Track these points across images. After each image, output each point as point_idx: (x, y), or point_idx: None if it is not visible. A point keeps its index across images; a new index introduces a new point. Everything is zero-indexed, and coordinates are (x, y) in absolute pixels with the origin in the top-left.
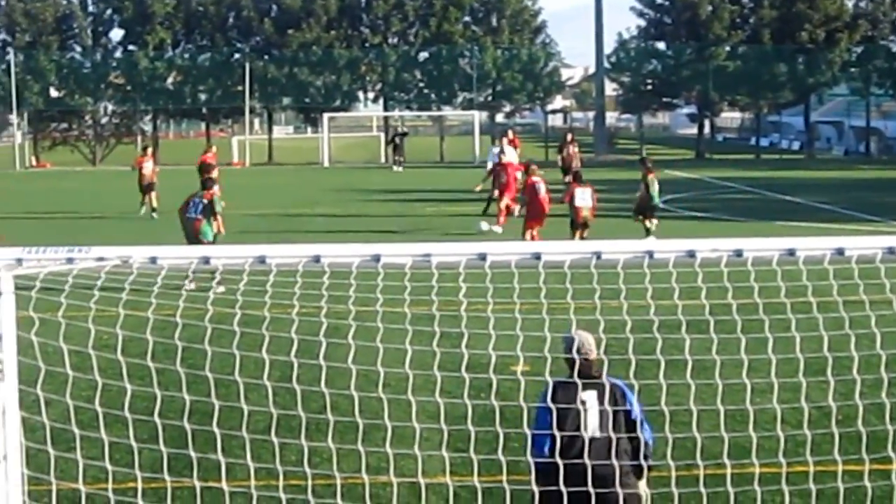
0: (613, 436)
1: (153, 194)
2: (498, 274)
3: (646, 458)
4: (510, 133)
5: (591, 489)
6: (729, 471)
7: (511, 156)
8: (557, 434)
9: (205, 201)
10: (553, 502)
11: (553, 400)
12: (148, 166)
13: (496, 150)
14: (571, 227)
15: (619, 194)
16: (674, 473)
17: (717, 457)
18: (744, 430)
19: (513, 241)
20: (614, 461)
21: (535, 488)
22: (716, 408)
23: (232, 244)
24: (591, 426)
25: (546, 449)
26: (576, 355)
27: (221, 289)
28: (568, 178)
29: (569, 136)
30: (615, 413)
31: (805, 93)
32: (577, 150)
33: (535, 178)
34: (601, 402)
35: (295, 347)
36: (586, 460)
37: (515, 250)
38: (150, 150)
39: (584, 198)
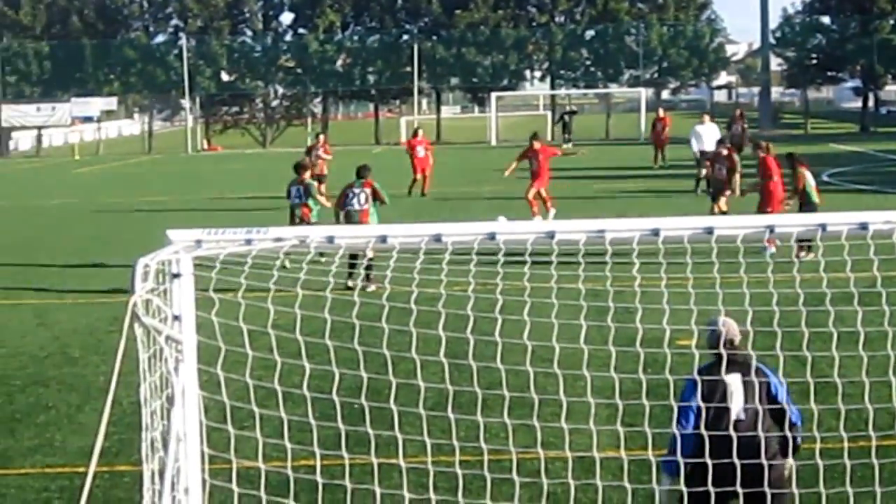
0: (760, 409)
1: (321, 186)
2: (670, 249)
3: (793, 438)
4: (660, 111)
5: (737, 463)
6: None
7: (712, 131)
8: (703, 406)
9: (366, 190)
10: (700, 478)
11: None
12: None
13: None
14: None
15: (787, 168)
16: (846, 445)
17: (888, 428)
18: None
19: (684, 217)
20: (760, 434)
21: (681, 460)
22: (888, 380)
23: (407, 223)
24: (736, 408)
25: (690, 426)
26: (721, 328)
27: (372, 287)
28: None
29: (738, 112)
30: (759, 394)
31: None
32: (746, 125)
33: (770, 157)
34: (745, 383)
35: (470, 324)
36: (733, 438)
37: (688, 225)
38: (322, 138)
39: (811, 182)
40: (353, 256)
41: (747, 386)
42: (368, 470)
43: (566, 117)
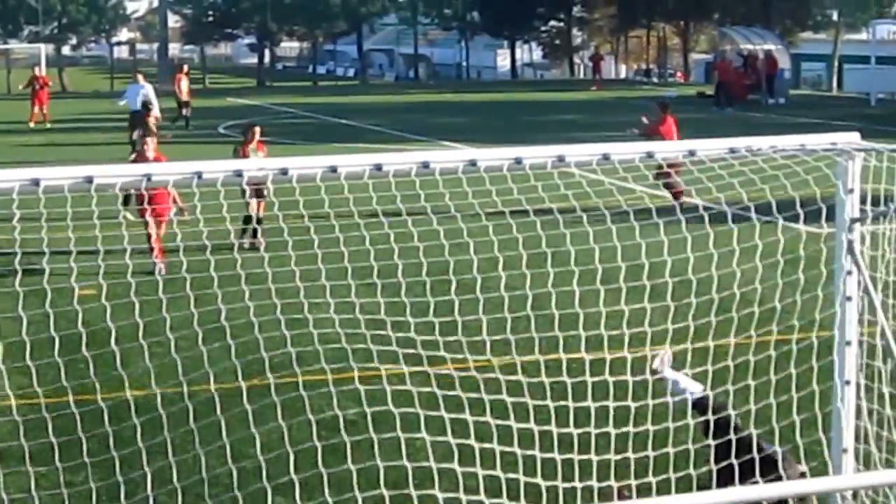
0: None
1: None
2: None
3: None
4: (37, 69)
5: None
6: (272, 380)
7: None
8: None
9: None
10: None
11: None
12: None
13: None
14: None
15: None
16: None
17: (281, 369)
18: (307, 341)
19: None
20: None
21: None
22: (276, 317)
23: None
24: None
25: None
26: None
27: None
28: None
29: (185, 68)
30: None
31: (358, 23)
32: (188, 83)
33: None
34: None
35: None
36: None
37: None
38: None
39: None
40: None
41: None
42: None
43: None
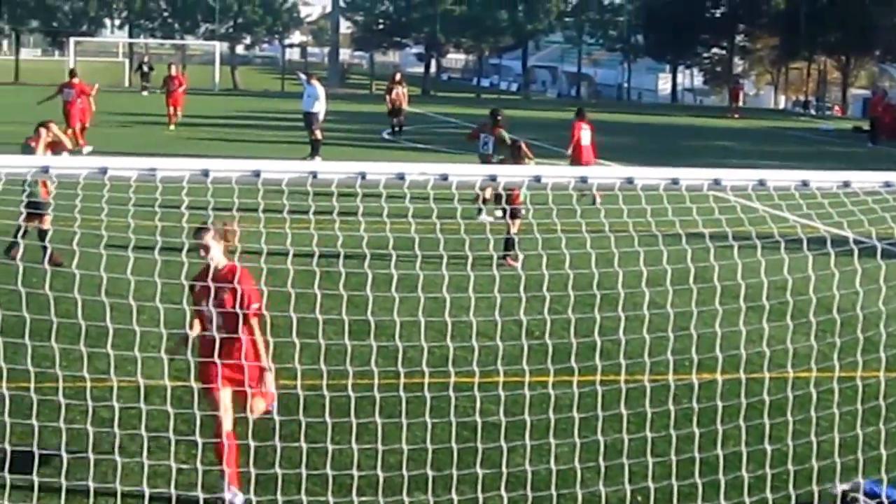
0: None
1: None
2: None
3: None
4: (173, 69)
5: None
6: (426, 379)
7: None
8: None
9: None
10: None
11: None
12: None
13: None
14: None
15: (351, 125)
16: (378, 381)
17: (418, 364)
18: (442, 341)
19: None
20: None
21: None
22: (418, 319)
23: None
24: None
25: None
26: None
27: None
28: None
29: (398, 76)
30: None
31: (523, 38)
32: (405, 90)
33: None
34: None
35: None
36: None
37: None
38: None
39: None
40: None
41: None
42: None
43: (144, 67)
